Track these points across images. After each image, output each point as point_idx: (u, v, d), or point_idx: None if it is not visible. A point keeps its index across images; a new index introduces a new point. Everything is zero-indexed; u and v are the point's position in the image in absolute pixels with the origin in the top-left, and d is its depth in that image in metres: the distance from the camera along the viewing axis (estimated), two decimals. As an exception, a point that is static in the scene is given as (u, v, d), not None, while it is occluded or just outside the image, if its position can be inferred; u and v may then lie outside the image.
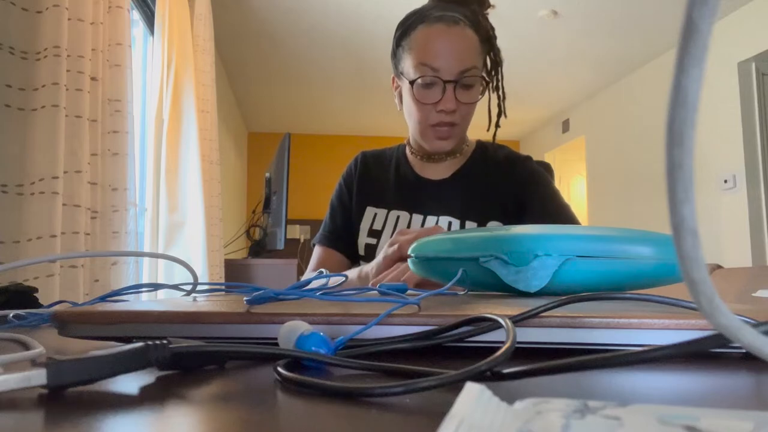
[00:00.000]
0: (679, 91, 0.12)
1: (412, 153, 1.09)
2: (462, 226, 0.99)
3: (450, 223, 0.99)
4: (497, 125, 1.05)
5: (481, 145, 1.09)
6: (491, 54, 1.02)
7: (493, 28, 1.02)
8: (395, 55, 1.02)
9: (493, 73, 1.03)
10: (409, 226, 1.01)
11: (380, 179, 1.11)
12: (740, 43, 3.53)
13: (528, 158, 1.07)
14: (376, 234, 1.05)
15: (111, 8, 1.44)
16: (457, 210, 1.00)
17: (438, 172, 1.06)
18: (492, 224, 0.99)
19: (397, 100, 1.05)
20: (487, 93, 1.04)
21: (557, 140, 5.95)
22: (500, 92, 1.03)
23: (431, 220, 1.00)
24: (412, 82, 0.97)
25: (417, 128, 1.00)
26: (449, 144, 1.00)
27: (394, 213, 1.05)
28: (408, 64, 0.98)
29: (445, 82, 0.94)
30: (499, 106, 1.04)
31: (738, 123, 3.58)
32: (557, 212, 0.98)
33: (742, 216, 3.54)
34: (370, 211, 1.07)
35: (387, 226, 1.04)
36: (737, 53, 3.56)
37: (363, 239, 1.06)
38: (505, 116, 1.05)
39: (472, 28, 0.97)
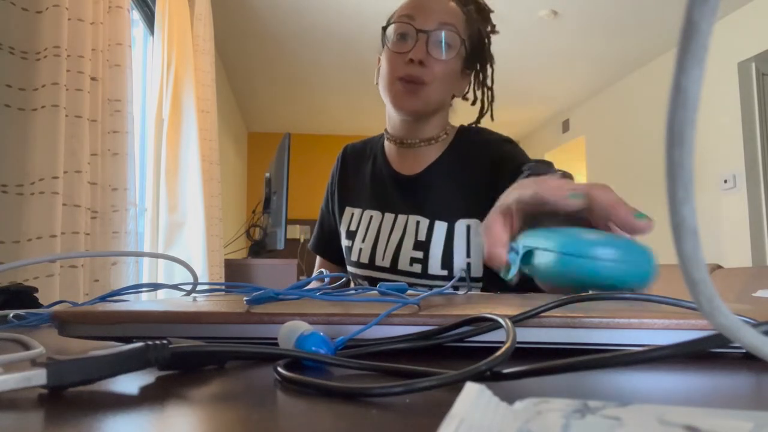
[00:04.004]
0: (679, 91, 0.12)
1: (388, 140, 1.04)
2: (430, 226, 0.94)
3: (418, 223, 0.95)
4: (482, 114, 1.01)
5: (461, 132, 1.03)
6: (483, 51, 0.99)
7: (488, 37, 1.00)
8: (386, 27, 0.99)
9: (482, 73, 1.00)
10: (380, 227, 0.98)
11: (358, 177, 1.07)
12: (740, 43, 3.53)
13: (506, 140, 1.00)
14: (351, 235, 1.02)
15: (111, 8, 1.44)
16: (426, 209, 0.96)
17: (412, 165, 1.00)
18: (459, 224, 0.94)
19: (375, 75, 1.01)
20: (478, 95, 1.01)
21: (557, 140, 5.95)
22: (486, 88, 1.00)
23: (401, 220, 0.97)
24: (384, 28, 0.94)
25: (385, 83, 0.95)
26: (414, 102, 0.93)
27: (367, 213, 1.01)
28: (390, 29, 0.95)
29: (418, 31, 0.91)
30: (482, 101, 1.00)
31: (738, 123, 3.58)
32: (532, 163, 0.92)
33: (742, 216, 3.54)
34: (348, 211, 1.05)
35: (361, 226, 1.01)
36: (737, 53, 3.56)
37: (344, 241, 1.04)
38: (492, 119, 1.00)
39: (457, 3, 0.95)
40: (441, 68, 0.92)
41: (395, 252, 0.95)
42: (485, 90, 1.02)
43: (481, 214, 0.94)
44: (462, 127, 1.05)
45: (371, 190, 1.03)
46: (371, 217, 1.01)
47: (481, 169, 0.96)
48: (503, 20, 3.60)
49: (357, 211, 1.03)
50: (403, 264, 0.94)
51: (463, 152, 1.00)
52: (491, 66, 1.01)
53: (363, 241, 0.99)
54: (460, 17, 0.95)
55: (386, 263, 0.96)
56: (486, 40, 1.01)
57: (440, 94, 0.95)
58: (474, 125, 1.04)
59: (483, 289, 0.94)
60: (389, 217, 0.99)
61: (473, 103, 1.02)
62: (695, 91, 0.12)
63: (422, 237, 0.94)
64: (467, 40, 0.96)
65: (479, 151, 0.98)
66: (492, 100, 1.01)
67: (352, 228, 1.02)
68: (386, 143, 1.06)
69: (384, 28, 0.96)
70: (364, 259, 0.98)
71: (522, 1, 3.38)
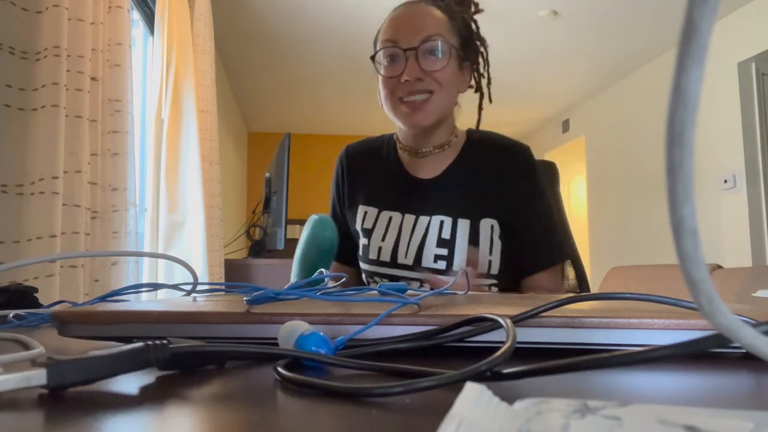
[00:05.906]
0: (679, 91, 0.12)
1: (401, 148, 1.06)
2: (454, 224, 0.96)
3: (442, 222, 0.97)
4: (481, 108, 1.02)
5: (472, 135, 1.05)
6: (475, 43, 1.00)
7: (475, 21, 1.01)
8: (374, 57, 1.01)
9: (479, 59, 1.01)
10: (401, 227, 1.00)
11: (370, 176, 1.08)
12: (740, 43, 3.52)
13: (526, 151, 1.03)
14: (367, 233, 1.03)
15: (111, 8, 1.44)
16: (449, 208, 0.98)
17: (429, 169, 1.03)
18: (485, 222, 0.97)
19: (379, 98, 1.03)
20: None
21: (557, 140, 5.95)
22: (480, 74, 1.01)
23: (423, 221, 0.98)
24: (373, 58, 0.96)
25: (389, 107, 0.97)
26: (426, 116, 0.94)
27: (386, 213, 1.03)
28: (379, 55, 0.97)
29: (405, 50, 0.92)
30: (477, 85, 1.01)
31: (738, 123, 3.57)
32: (546, 230, 1.00)
33: (742, 216, 3.54)
34: (361, 209, 1.06)
35: (378, 226, 1.02)
36: (737, 53, 3.55)
37: (361, 240, 1.05)
38: (490, 101, 1.02)
39: (437, 6, 0.96)
40: (440, 75, 0.94)
41: (418, 250, 0.97)
42: (479, 76, 1.02)
43: (497, 214, 0.96)
44: (470, 130, 1.07)
45: (389, 191, 1.04)
46: (390, 217, 1.02)
47: (503, 173, 0.99)
48: (503, 20, 3.61)
49: (372, 210, 1.04)
50: (427, 261, 0.96)
51: (480, 155, 1.02)
52: (485, 48, 1.01)
53: (383, 239, 1.01)
54: (441, 20, 0.95)
55: (409, 261, 0.98)
56: (473, 26, 1.01)
57: (447, 98, 0.97)
58: (477, 128, 1.05)
59: (499, 288, 0.99)
60: (410, 218, 1.00)
61: (476, 90, 1.03)
62: (695, 91, 0.12)
63: (446, 235, 0.96)
64: (456, 37, 0.97)
65: (502, 158, 1.01)
66: (489, 83, 1.02)
67: (367, 226, 1.03)
68: (399, 150, 1.08)
69: (372, 58, 0.98)
70: (385, 257, 1.00)
71: (522, 1, 3.38)
